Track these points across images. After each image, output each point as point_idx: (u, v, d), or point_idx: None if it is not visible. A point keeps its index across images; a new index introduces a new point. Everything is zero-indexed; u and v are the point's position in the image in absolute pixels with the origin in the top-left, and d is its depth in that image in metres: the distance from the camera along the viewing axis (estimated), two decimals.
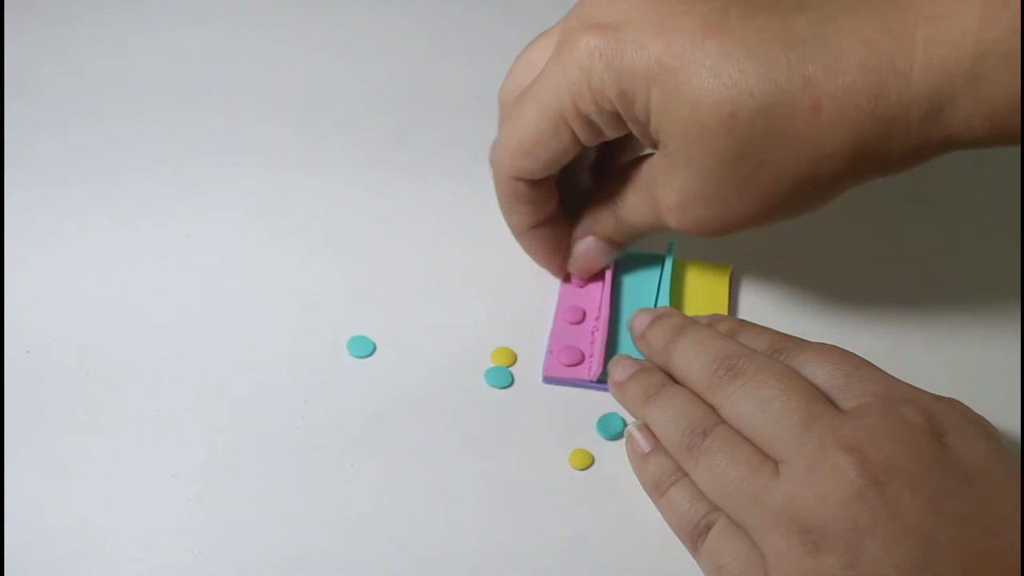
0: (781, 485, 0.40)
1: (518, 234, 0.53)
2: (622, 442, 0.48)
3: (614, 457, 0.48)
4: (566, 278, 0.54)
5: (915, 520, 0.38)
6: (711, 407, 0.44)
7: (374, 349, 0.52)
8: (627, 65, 0.45)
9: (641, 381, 0.47)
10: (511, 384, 0.51)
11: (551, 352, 0.51)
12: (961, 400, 0.42)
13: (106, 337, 0.52)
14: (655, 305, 0.52)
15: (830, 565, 0.38)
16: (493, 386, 0.51)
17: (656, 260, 0.54)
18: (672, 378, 0.47)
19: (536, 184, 0.50)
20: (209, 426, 0.49)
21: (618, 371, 0.48)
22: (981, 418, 0.42)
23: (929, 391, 0.42)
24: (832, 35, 0.43)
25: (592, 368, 0.50)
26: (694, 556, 0.44)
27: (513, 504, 0.47)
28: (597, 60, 0.45)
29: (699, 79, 0.43)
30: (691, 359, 0.45)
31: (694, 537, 0.43)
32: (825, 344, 0.45)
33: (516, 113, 0.48)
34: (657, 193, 0.48)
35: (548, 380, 0.51)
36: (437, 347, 0.52)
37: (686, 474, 0.44)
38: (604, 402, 0.50)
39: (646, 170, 0.49)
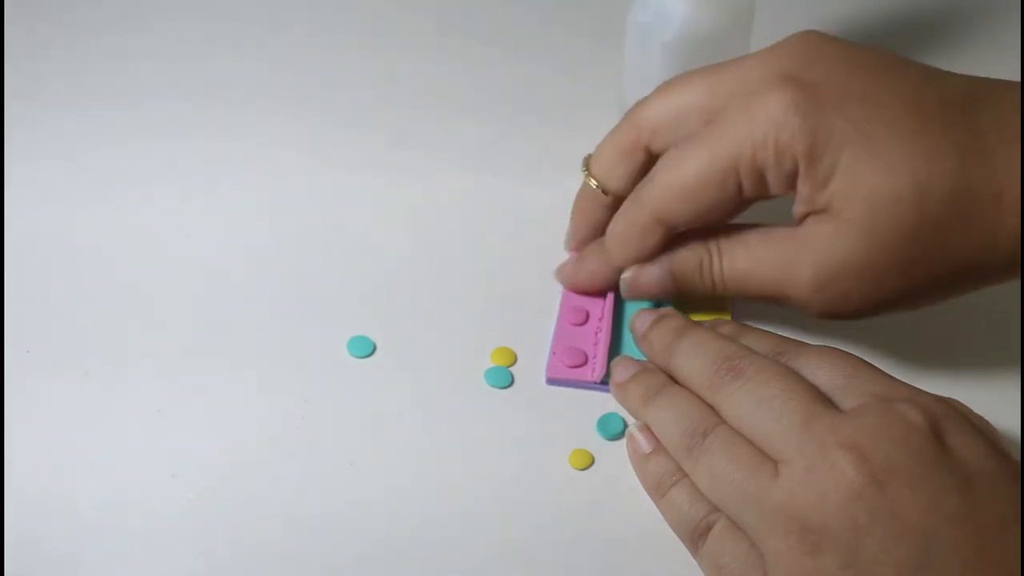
0: (780, 485, 0.40)
1: (604, 265, 0.52)
2: (622, 442, 0.48)
3: (614, 457, 0.48)
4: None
5: (915, 519, 0.38)
6: (711, 408, 0.44)
7: (374, 349, 0.52)
8: (823, 123, 0.45)
9: (642, 382, 0.47)
10: (511, 384, 0.51)
11: (554, 353, 0.51)
12: (961, 400, 0.42)
13: (106, 337, 0.52)
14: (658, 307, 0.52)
15: (829, 565, 0.38)
16: (493, 386, 0.51)
17: None
18: (673, 379, 0.47)
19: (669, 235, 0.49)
20: (209, 426, 0.49)
21: (619, 372, 0.48)
22: (981, 418, 0.42)
23: (929, 391, 0.42)
24: (1011, 132, 0.45)
25: (595, 370, 0.50)
26: (695, 557, 0.44)
27: (513, 504, 0.47)
28: (793, 114, 0.45)
29: (898, 151, 0.44)
30: (692, 359, 0.46)
31: (694, 538, 0.43)
32: (825, 346, 0.45)
33: (681, 154, 0.47)
34: (802, 260, 0.47)
35: (551, 382, 0.51)
36: (437, 347, 0.52)
37: (687, 475, 0.44)
38: (604, 402, 0.50)
39: (784, 231, 0.48)
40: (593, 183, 0.51)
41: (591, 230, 0.53)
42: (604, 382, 0.50)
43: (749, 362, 0.44)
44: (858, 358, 0.44)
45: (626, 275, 0.51)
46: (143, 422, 0.49)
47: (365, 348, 0.52)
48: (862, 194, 0.45)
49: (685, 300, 0.52)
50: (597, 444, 0.49)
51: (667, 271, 0.50)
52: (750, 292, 0.49)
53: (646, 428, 0.46)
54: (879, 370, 0.43)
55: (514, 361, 0.51)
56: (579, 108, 0.62)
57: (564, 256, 0.55)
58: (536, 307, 0.53)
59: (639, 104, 0.50)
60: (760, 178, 0.46)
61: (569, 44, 0.67)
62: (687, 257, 0.49)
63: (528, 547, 0.45)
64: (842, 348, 0.45)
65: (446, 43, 0.67)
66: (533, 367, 0.51)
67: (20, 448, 0.47)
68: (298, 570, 0.44)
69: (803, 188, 0.46)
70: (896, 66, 0.47)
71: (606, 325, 0.52)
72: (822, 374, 0.43)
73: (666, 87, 0.49)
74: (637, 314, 0.50)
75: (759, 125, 0.45)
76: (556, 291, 0.54)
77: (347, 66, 0.66)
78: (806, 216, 0.47)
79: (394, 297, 0.54)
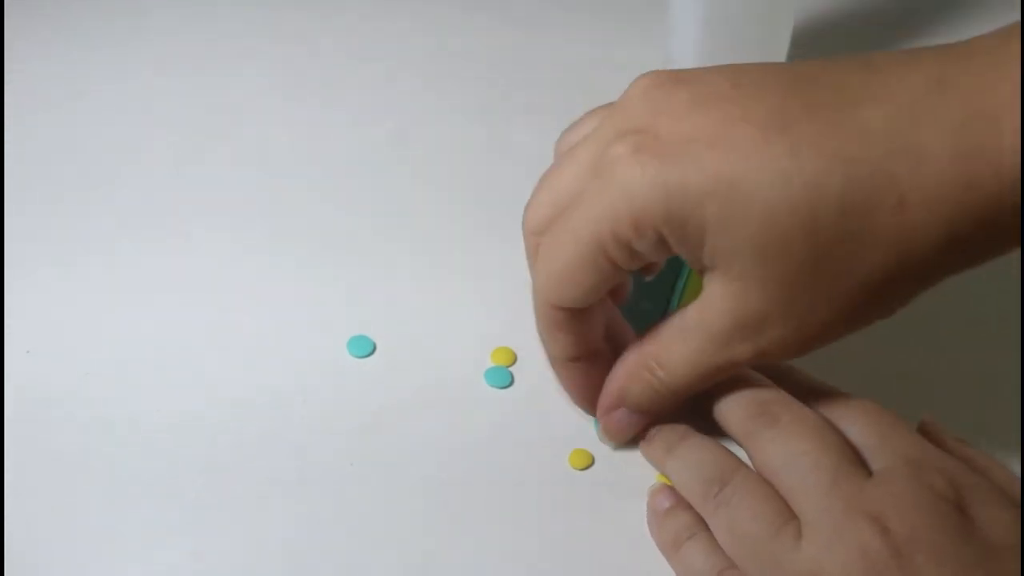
0: (804, 550, 0.40)
1: (554, 364, 0.48)
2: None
3: (614, 457, 0.48)
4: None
5: None
6: (734, 455, 0.44)
7: (374, 349, 0.52)
8: (675, 184, 0.40)
9: (665, 433, 0.47)
10: (511, 384, 0.51)
11: None
12: (960, 401, 0.42)
13: (106, 337, 0.52)
14: (669, 306, 0.52)
15: None
16: (493, 386, 0.51)
17: (675, 261, 0.54)
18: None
19: (577, 313, 0.45)
20: (209, 426, 0.49)
21: (648, 429, 0.48)
22: (1011, 477, 0.42)
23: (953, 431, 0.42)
24: (909, 126, 0.39)
25: None
26: None
27: (513, 504, 0.47)
28: (638, 180, 0.40)
29: (769, 187, 0.39)
30: (730, 402, 0.45)
31: None
32: (865, 400, 0.44)
33: (551, 244, 0.44)
34: (715, 327, 0.43)
35: None
36: (437, 347, 0.52)
37: (703, 530, 0.44)
38: None
39: (694, 312, 0.44)
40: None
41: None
42: None
43: (785, 409, 0.43)
44: (895, 416, 0.43)
45: (598, 431, 0.48)
46: (143, 422, 0.49)
47: (365, 348, 0.52)
48: (744, 246, 0.40)
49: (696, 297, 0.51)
50: (597, 444, 0.49)
51: (628, 409, 0.47)
52: (705, 381, 0.45)
53: (667, 487, 0.46)
54: (914, 432, 0.43)
55: (514, 361, 0.51)
56: (579, 108, 0.62)
57: None
58: None
59: (525, 211, 0.46)
60: (631, 252, 0.42)
61: (570, 45, 0.67)
62: (635, 387, 0.46)
63: (528, 547, 0.45)
64: (841, 348, 0.44)
65: (447, 43, 0.67)
66: (533, 367, 0.51)
67: (20, 448, 0.47)
68: (298, 570, 0.44)
69: (681, 251, 0.42)
70: (752, 83, 0.42)
71: None
72: (857, 431, 0.43)
73: (539, 184, 0.46)
74: None
75: (611, 200, 0.41)
76: None
77: (347, 66, 0.66)
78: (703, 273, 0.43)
79: (394, 297, 0.54)
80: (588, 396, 0.48)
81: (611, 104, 0.44)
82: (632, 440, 0.48)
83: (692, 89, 0.42)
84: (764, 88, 0.41)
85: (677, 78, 0.43)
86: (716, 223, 0.40)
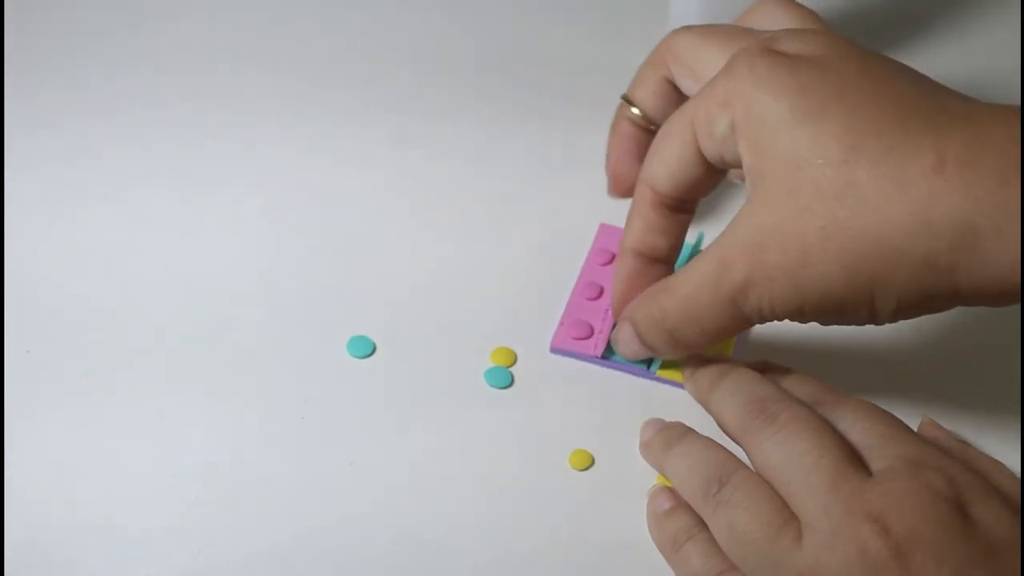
0: (804, 550, 0.40)
1: (620, 256, 0.50)
2: (622, 442, 0.48)
3: (614, 457, 0.48)
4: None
5: None
6: (734, 453, 0.44)
7: (374, 349, 0.52)
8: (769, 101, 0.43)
9: (664, 433, 0.47)
10: (511, 384, 0.51)
11: (562, 324, 0.52)
12: (960, 401, 0.42)
13: (106, 337, 0.52)
14: None
15: None
16: (493, 386, 0.51)
17: (683, 249, 0.54)
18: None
19: (659, 208, 0.48)
20: (209, 426, 0.49)
21: (646, 431, 0.48)
22: (1012, 477, 0.42)
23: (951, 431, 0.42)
24: (978, 159, 0.40)
25: (598, 344, 0.51)
26: None
27: (513, 504, 0.47)
28: (749, 83, 0.43)
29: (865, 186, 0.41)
30: (729, 397, 0.45)
31: None
32: (864, 401, 0.44)
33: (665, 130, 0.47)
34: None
35: (555, 351, 0.51)
36: (437, 347, 0.52)
37: (702, 531, 0.44)
38: (605, 404, 0.50)
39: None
40: (634, 111, 0.51)
41: (627, 155, 0.51)
42: (605, 356, 0.51)
43: (783, 408, 0.43)
44: (894, 417, 0.43)
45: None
46: (143, 422, 0.49)
47: (365, 348, 0.52)
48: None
49: None
50: (597, 444, 0.49)
51: (634, 329, 0.49)
52: (707, 322, 0.46)
53: (667, 489, 0.46)
54: (914, 432, 0.43)
55: (514, 361, 0.51)
56: (579, 108, 0.62)
57: (564, 256, 0.55)
58: (536, 307, 0.53)
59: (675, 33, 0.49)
60: (711, 135, 0.44)
61: (570, 45, 0.66)
62: (641, 310, 0.48)
63: (528, 547, 0.45)
64: (843, 348, 0.44)
65: (446, 43, 0.67)
66: (533, 367, 0.51)
67: (20, 448, 0.47)
68: (298, 570, 0.44)
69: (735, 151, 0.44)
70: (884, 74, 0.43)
71: None
72: (857, 430, 0.43)
73: (708, 31, 0.48)
74: (690, 358, 0.49)
75: (712, 84, 0.44)
76: (557, 291, 0.54)
77: (347, 66, 0.65)
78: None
79: (394, 297, 0.54)
80: (624, 298, 0.49)
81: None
82: (632, 440, 0.48)
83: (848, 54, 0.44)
84: (893, 76, 0.43)
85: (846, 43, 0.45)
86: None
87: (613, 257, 0.54)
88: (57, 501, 0.46)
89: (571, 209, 0.57)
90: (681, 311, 0.46)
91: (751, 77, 0.43)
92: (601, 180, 0.53)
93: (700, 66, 0.47)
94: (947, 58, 0.63)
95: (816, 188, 0.41)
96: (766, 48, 0.44)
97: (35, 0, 0.68)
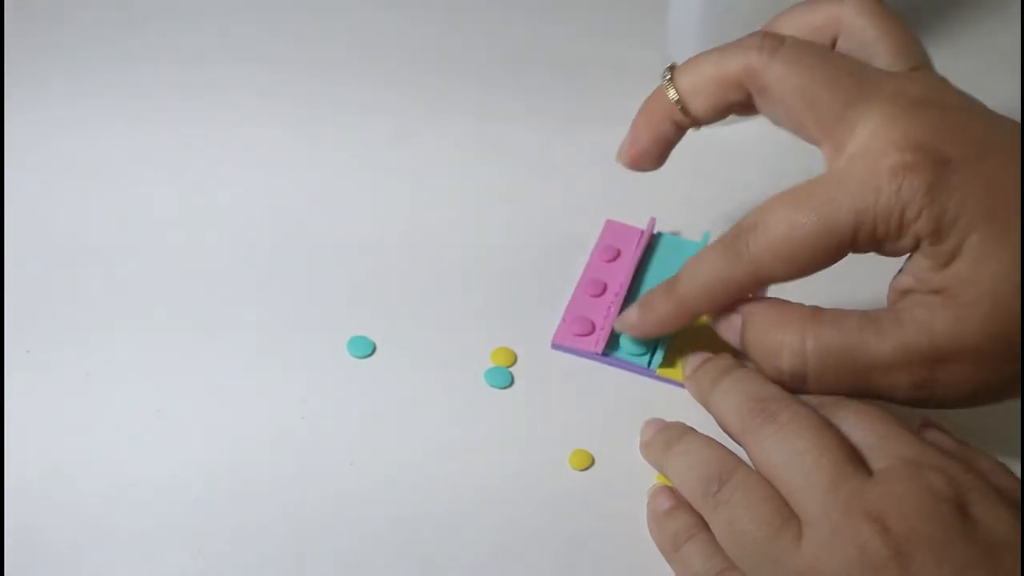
0: (804, 550, 0.40)
1: (668, 310, 0.48)
2: (622, 442, 0.48)
3: (614, 457, 0.48)
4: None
5: None
6: (734, 452, 0.44)
7: (374, 349, 0.52)
8: (953, 204, 0.42)
9: (664, 433, 0.47)
10: (511, 384, 0.51)
11: (564, 320, 0.52)
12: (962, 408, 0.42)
13: (106, 337, 0.52)
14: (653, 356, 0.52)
15: None
16: (493, 386, 0.51)
17: (689, 247, 0.54)
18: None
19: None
20: (209, 426, 0.49)
21: (647, 430, 0.48)
22: (1012, 478, 0.42)
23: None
24: None
25: (599, 341, 0.51)
26: None
27: (513, 504, 0.47)
28: (923, 194, 0.42)
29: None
30: (728, 396, 0.45)
31: None
32: (865, 401, 0.44)
33: (794, 215, 0.44)
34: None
35: (556, 347, 0.52)
36: (437, 347, 0.52)
37: (702, 531, 0.44)
38: (605, 404, 0.50)
39: (901, 320, 0.44)
40: (673, 95, 0.48)
41: (653, 144, 0.49)
42: (605, 353, 0.51)
43: (784, 407, 0.43)
44: (894, 418, 0.43)
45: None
46: (143, 422, 0.49)
47: (365, 348, 0.52)
48: (985, 280, 0.42)
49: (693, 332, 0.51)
50: (597, 444, 0.49)
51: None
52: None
53: (667, 488, 0.46)
54: (913, 433, 0.43)
55: (514, 361, 0.51)
56: (579, 108, 0.62)
57: (564, 255, 0.55)
58: (536, 307, 0.53)
59: (764, 36, 0.46)
60: (875, 245, 0.43)
61: (570, 45, 0.67)
62: (772, 338, 0.46)
63: (528, 547, 0.45)
64: None
65: (446, 43, 0.67)
66: (533, 367, 0.51)
67: (20, 448, 0.47)
68: (298, 569, 0.44)
69: (922, 263, 0.43)
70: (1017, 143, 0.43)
71: (620, 299, 0.52)
72: (858, 431, 0.43)
73: (802, 49, 0.46)
74: (691, 356, 0.49)
75: (884, 196, 0.42)
76: (557, 291, 0.54)
77: (347, 66, 0.65)
78: (908, 293, 0.44)
79: (394, 297, 0.54)
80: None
81: None
82: (632, 440, 0.48)
83: (980, 123, 0.44)
84: None
85: (969, 104, 0.45)
86: (972, 252, 0.42)
87: (618, 254, 0.55)
88: (58, 501, 0.46)
89: (571, 209, 0.57)
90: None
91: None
92: (601, 181, 0.53)
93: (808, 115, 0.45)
94: (947, 58, 0.63)
95: None
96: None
97: (35, 0, 0.68)
